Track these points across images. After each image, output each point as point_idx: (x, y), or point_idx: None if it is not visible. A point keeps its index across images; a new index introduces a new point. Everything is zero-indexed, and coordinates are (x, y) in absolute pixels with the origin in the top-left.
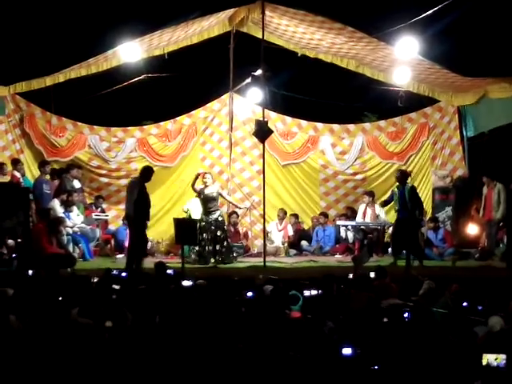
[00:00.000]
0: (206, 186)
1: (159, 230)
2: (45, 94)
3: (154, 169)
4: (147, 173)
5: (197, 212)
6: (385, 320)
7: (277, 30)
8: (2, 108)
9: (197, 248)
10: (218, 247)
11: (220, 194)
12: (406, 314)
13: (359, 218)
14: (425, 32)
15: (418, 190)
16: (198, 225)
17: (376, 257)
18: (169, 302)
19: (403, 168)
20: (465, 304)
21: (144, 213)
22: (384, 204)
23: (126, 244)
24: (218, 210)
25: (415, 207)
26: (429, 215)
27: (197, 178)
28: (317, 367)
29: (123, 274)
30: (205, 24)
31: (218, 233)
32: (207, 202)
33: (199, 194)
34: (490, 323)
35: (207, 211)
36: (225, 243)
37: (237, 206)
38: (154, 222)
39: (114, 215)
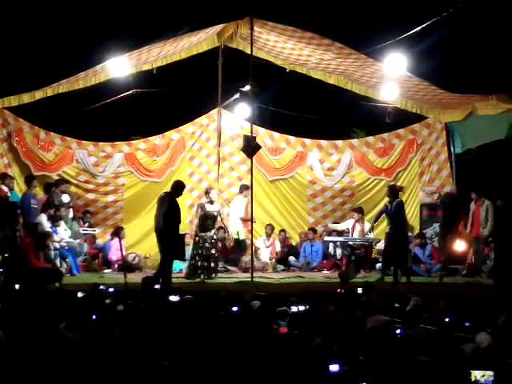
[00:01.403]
0: (211, 203)
1: (147, 246)
2: (33, 109)
3: (143, 184)
4: (178, 187)
5: (239, 211)
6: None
7: (265, 46)
8: None
9: (192, 262)
10: (211, 264)
11: (219, 215)
12: (398, 331)
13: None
14: (413, 49)
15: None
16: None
17: (363, 273)
18: (156, 317)
19: (392, 184)
20: (447, 320)
21: (174, 227)
22: (375, 221)
23: (114, 258)
24: (214, 228)
25: (399, 223)
26: (416, 231)
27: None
28: (304, 383)
29: (110, 290)
30: (193, 39)
31: (213, 251)
32: (207, 218)
33: (201, 208)
34: (477, 340)
35: (205, 227)
36: (215, 261)
37: (226, 230)
38: (142, 237)
39: (102, 230)
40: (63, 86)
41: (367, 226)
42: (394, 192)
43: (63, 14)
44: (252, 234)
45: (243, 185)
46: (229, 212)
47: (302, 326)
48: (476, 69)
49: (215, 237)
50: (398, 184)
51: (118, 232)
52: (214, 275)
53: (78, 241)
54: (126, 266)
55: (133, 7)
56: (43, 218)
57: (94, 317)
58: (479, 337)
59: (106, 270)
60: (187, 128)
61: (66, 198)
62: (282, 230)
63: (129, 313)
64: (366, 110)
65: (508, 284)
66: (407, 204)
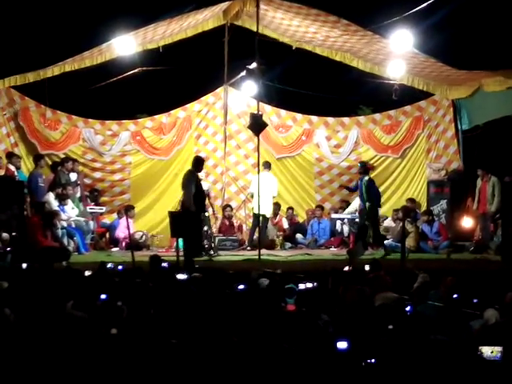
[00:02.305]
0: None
1: (152, 223)
2: (39, 88)
3: (150, 163)
4: (199, 162)
5: (271, 189)
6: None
7: (271, 23)
8: None
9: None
10: (212, 243)
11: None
12: (407, 308)
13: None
14: (419, 25)
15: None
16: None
17: (371, 250)
18: (164, 295)
19: (398, 161)
20: (455, 296)
21: (201, 205)
22: (347, 189)
23: (121, 236)
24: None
25: (369, 199)
26: (423, 208)
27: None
28: (311, 360)
29: (119, 268)
30: (199, 17)
31: (205, 228)
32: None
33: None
34: (485, 316)
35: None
36: (212, 239)
37: (214, 211)
38: (149, 214)
39: (109, 210)
40: (69, 65)
41: None
42: (365, 169)
43: None
44: (259, 211)
45: (267, 162)
46: (238, 189)
47: (309, 304)
48: (483, 45)
49: (207, 215)
50: (405, 161)
51: (127, 210)
52: (215, 253)
53: (85, 219)
54: (133, 244)
55: None
56: (51, 197)
57: (102, 296)
58: (487, 313)
59: (114, 249)
60: (193, 106)
61: (73, 177)
62: (290, 208)
63: (137, 291)
64: (372, 87)
65: None
66: (414, 181)
